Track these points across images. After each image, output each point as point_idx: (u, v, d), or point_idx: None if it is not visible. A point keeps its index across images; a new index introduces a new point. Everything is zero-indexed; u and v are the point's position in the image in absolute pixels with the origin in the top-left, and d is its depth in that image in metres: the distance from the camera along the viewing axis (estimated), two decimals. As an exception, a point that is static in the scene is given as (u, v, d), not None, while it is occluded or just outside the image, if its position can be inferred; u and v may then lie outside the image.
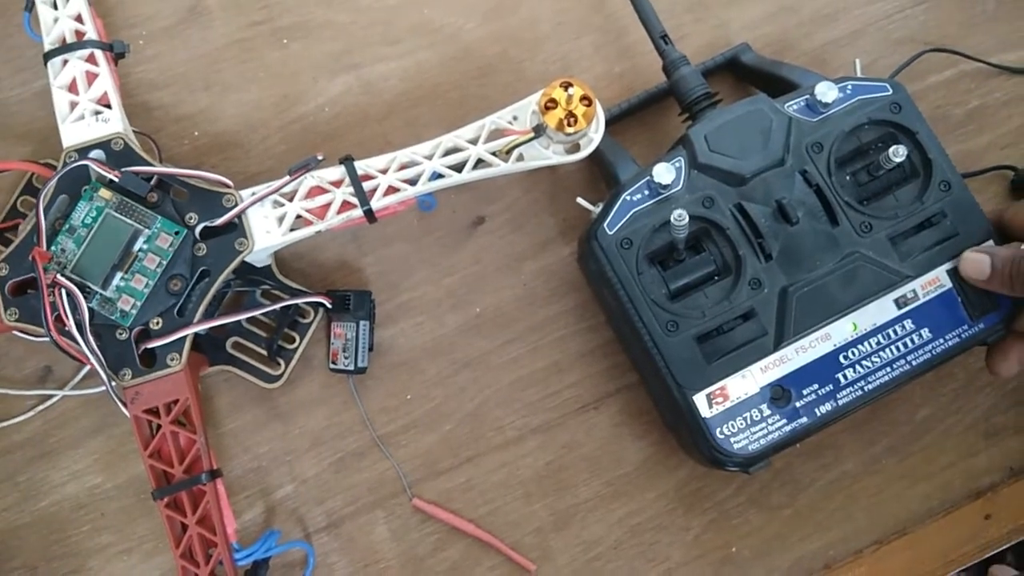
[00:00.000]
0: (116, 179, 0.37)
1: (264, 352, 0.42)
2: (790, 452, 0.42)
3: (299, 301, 0.41)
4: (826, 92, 0.39)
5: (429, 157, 0.40)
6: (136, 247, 0.37)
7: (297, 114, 0.46)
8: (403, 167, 0.40)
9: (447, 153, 0.40)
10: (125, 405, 0.37)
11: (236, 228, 0.39)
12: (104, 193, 0.38)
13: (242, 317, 0.40)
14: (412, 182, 0.40)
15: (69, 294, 0.35)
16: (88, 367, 0.41)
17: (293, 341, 0.42)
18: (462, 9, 0.48)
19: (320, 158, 0.39)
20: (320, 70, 0.47)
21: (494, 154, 0.40)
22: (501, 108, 0.41)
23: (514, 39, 0.47)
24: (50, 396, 0.42)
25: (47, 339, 0.37)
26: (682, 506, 0.42)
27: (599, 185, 0.45)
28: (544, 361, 0.44)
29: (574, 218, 0.45)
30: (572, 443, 0.43)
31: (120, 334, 0.37)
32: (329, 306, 0.42)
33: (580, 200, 0.41)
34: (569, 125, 0.38)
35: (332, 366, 0.42)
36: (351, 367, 0.42)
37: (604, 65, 0.47)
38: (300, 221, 0.39)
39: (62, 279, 0.36)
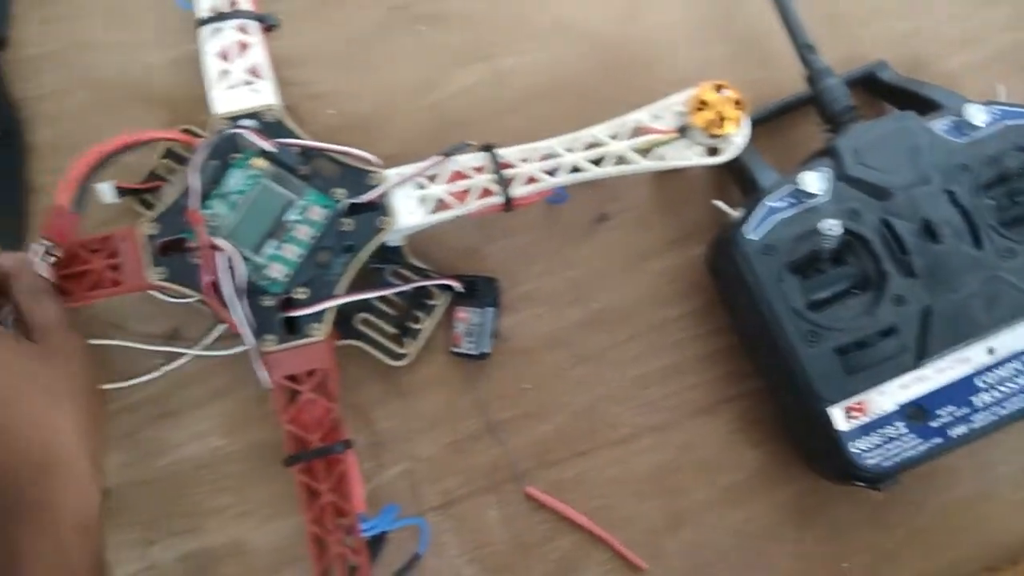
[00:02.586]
0: (272, 149, 0.38)
1: (391, 330, 0.42)
2: (905, 471, 0.42)
3: (431, 283, 0.42)
4: (975, 115, 0.39)
5: (570, 150, 0.40)
6: (288, 217, 0.38)
7: (430, 100, 0.47)
8: (543, 158, 0.41)
9: (587, 147, 0.41)
10: (265, 370, 0.38)
11: (380, 206, 0.39)
12: (258, 162, 0.39)
13: (381, 294, 0.40)
14: (550, 173, 0.40)
15: (229, 257, 0.36)
16: (219, 330, 0.42)
17: (419, 321, 0.43)
18: (598, 8, 0.48)
19: (469, 144, 0.40)
20: (455, 59, 0.47)
21: (634, 152, 0.40)
22: (630, 107, 0.41)
23: (648, 41, 0.48)
24: (179, 355, 0.43)
25: (183, 300, 0.39)
26: (795, 518, 0.42)
27: (727, 188, 0.45)
28: (663, 361, 0.44)
29: (701, 220, 0.45)
30: (687, 445, 0.43)
31: (266, 301, 0.38)
32: (460, 289, 0.42)
33: (717, 203, 0.41)
34: (718, 127, 0.38)
35: (454, 349, 0.43)
36: (475, 352, 0.42)
37: (739, 71, 0.47)
38: (440, 204, 0.40)
39: (222, 242, 0.36)
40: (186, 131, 0.44)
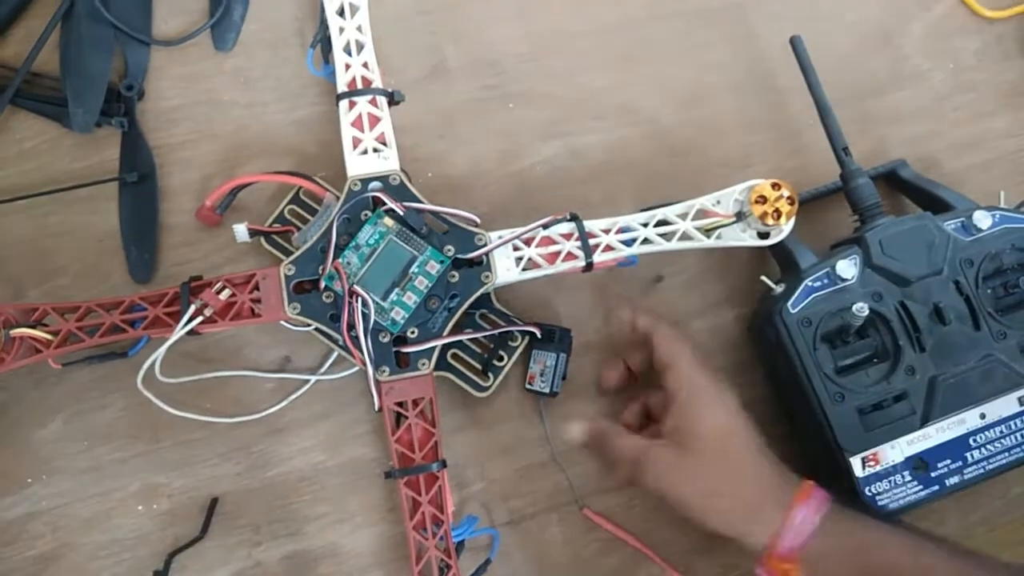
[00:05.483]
0: (400, 211, 0.45)
1: (477, 365, 0.49)
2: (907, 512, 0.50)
3: (515, 328, 0.49)
4: (982, 219, 0.47)
5: (645, 225, 0.48)
6: (412, 269, 0.45)
7: (513, 169, 0.54)
8: (620, 230, 0.48)
9: (658, 224, 0.48)
10: (379, 396, 0.45)
11: (483, 263, 0.46)
12: (387, 221, 0.46)
13: (475, 335, 0.47)
14: (626, 243, 0.48)
15: (364, 302, 0.43)
16: (332, 357, 0.49)
17: (502, 360, 0.49)
18: (662, 96, 0.56)
19: (563, 217, 0.47)
20: (536, 134, 0.54)
21: (697, 230, 0.48)
22: (686, 183, 0.49)
23: (703, 128, 0.55)
24: (290, 379, 0.49)
25: (302, 329, 0.45)
26: (811, 546, 0.49)
27: (764, 259, 0.53)
28: (705, 407, 0.51)
29: (740, 286, 0.53)
30: (723, 479, 0.50)
31: (383, 338, 0.45)
32: (538, 335, 0.49)
33: (764, 279, 0.49)
34: (775, 220, 0.45)
35: (528, 386, 0.50)
36: (546, 390, 0.49)
37: (778, 159, 0.55)
38: (531, 264, 0.47)
39: (359, 289, 0.43)
40: (308, 179, 0.50)
